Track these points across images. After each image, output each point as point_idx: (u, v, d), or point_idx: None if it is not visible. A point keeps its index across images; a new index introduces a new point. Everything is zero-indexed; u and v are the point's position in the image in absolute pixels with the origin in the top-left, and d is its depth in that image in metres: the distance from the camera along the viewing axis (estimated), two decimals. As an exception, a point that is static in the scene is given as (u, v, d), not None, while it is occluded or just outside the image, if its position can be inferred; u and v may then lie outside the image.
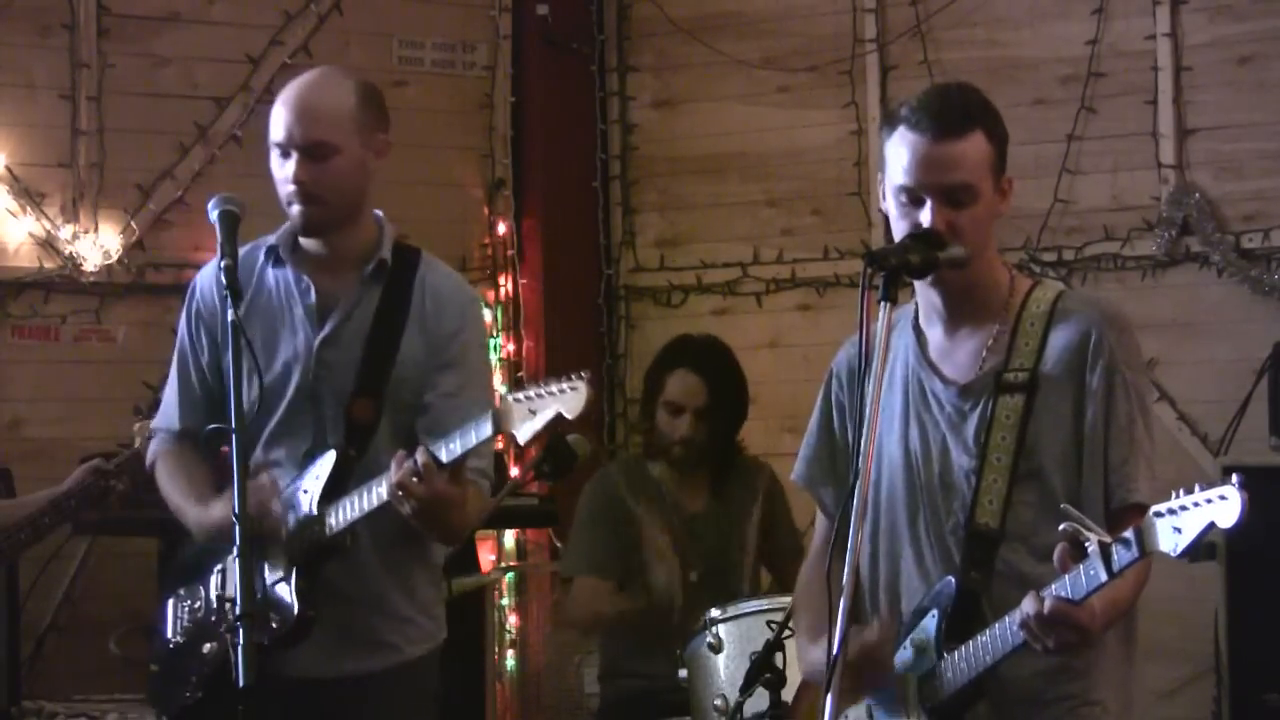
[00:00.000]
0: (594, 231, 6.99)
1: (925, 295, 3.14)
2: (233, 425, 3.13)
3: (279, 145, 3.52)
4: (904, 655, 3.08)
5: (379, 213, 3.67)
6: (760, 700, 3.88)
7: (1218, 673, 5.69)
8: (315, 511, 3.46)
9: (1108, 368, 3.02)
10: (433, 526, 3.47)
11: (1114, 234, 6.24)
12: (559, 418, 3.24)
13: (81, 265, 6.01)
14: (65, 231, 6.02)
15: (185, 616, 3.65)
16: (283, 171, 3.52)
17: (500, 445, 6.64)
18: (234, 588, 3.43)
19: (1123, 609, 2.97)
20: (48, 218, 6.02)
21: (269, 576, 3.48)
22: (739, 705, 3.98)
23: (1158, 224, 6.14)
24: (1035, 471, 3.03)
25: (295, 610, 3.45)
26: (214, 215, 3.34)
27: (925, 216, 2.99)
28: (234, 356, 3.18)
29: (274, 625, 3.44)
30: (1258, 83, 6.08)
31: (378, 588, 3.57)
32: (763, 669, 3.84)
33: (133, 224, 6.11)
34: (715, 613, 4.44)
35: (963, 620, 3.00)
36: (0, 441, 5.83)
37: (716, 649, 4.40)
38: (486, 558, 6.53)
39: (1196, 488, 2.63)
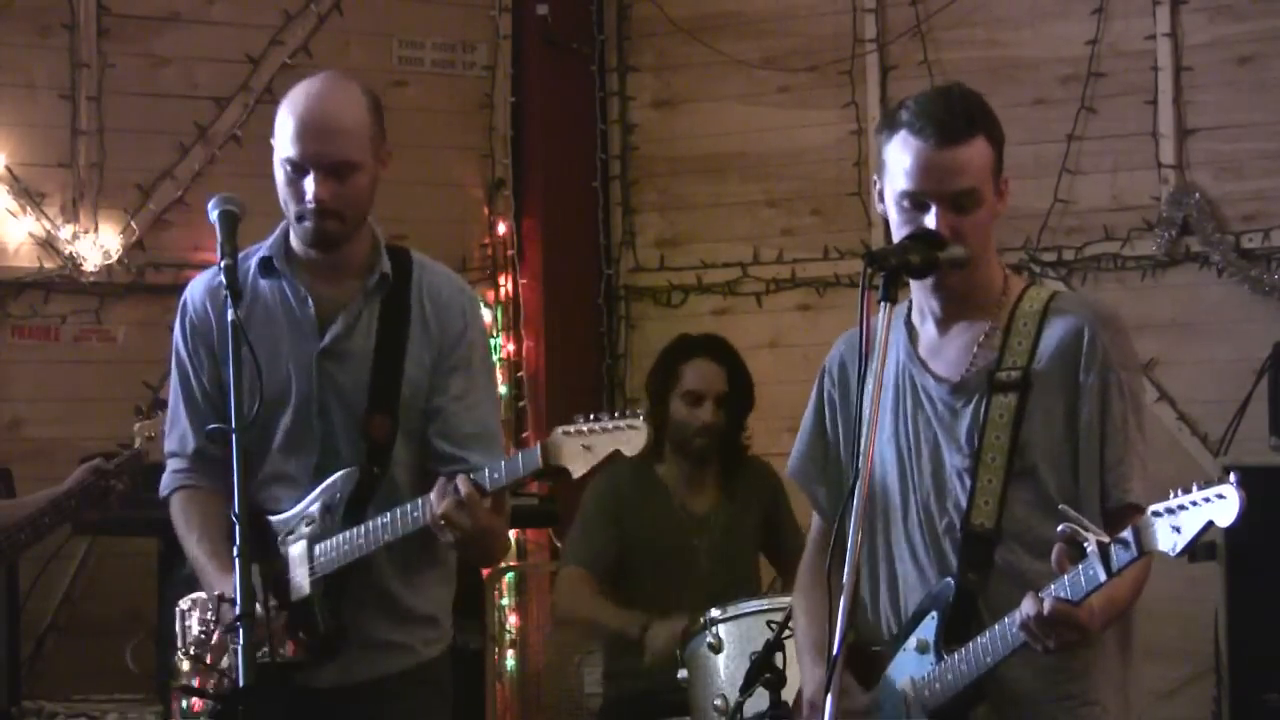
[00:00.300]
0: (594, 231, 6.99)
1: (920, 292, 3.14)
2: (233, 425, 3.12)
3: (295, 163, 3.44)
4: (904, 658, 3.09)
5: (369, 219, 3.65)
6: (760, 700, 3.87)
7: (1218, 673, 5.69)
8: (338, 527, 3.46)
9: (1102, 367, 3.03)
10: (471, 554, 3.50)
11: (1114, 234, 6.24)
12: (616, 453, 3.25)
13: (81, 265, 6.01)
14: (65, 231, 6.02)
15: (196, 630, 3.63)
16: (297, 188, 3.45)
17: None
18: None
19: (1122, 608, 2.98)
20: (48, 218, 6.02)
21: (293, 594, 3.48)
22: (739, 705, 3.97)
23: (1158, 224, 6.14)
24: (1029, 471, 3.04)
25: (323, 628, 3.45)
26: (214, 215, 3.33)
27: (930, 222, 3.00)
28: (234, 356, 3.17)
29: (305, 642, 3.44)
30: (1258, 83, 6.08)
31: (394, 592, 3.55)
32: (763, 669, 3.83)
33: (133, 224, 6.11)
34: (715, 613, 4.43)
35: (961, 621, 3.01)
36: (0, 441, 5.83)
37: (716, 649, 4.40)
38: (486, 558, 6.53)
39: (1194, 487, 2.64)
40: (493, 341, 6.74)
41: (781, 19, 6.74)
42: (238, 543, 3.04)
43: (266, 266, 3.58)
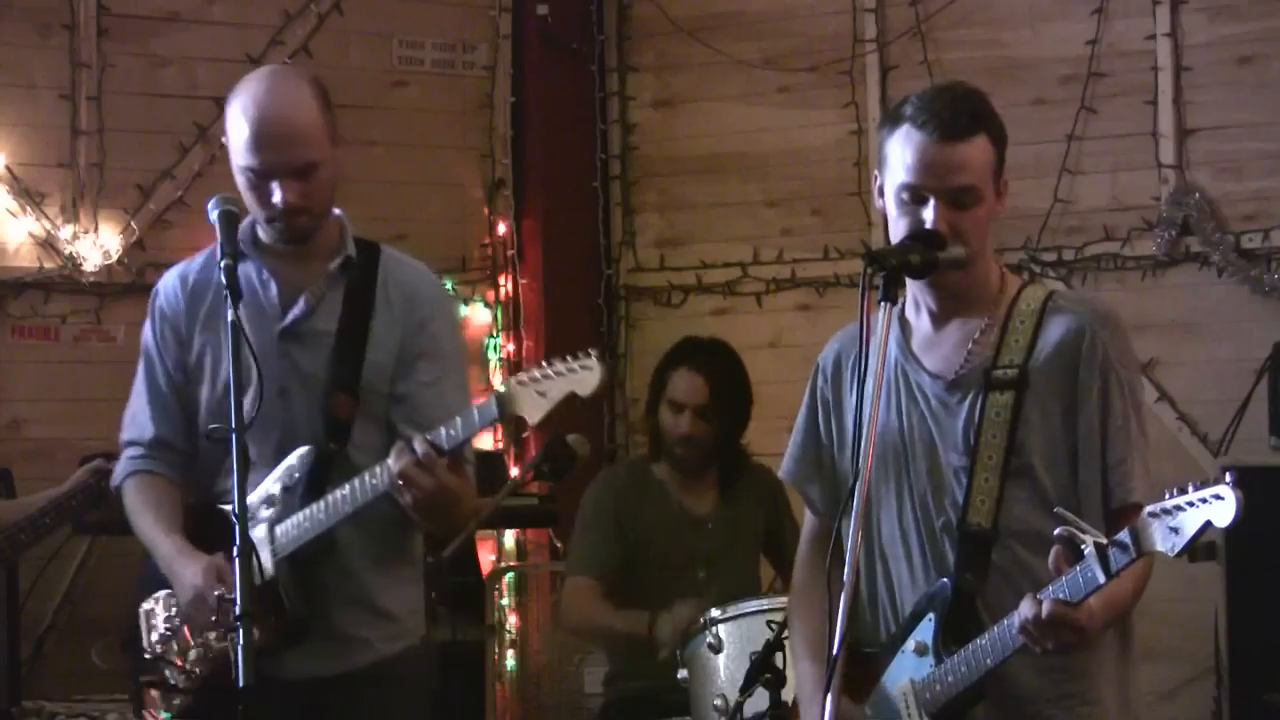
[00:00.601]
0: (594, 231, 6.99)
1: (915, 287, 3.13)
2: (233, 425, 3.12)
3: (258, 171, 3.45)
4: (903, 660, 3.08)
5: (338, 211, 3.64)
6: (760, 700, 3.87)
7: (1218, 673, 5.69)
8: (298, 506, 3.44)
9: (1103, 367, 3.03)
10: (433, 518, 3.45)
11: (1114, 234, 6.24)
12: (572, 397, 3.25)
13: (81, 265, 6.01)
14: (65, 231, 6.02)
15: (163, 625, 3.60)
16: (263, 194, 3.46)
17: (499, 444, 6.67)
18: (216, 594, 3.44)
19: (1122, 608, 2.98)
20: (48, 218, 6.02)
21: (256, 578, 3.44)
22: (739, 705, 3.97)
23: (1158, 224, 6.14)
24: (1026, 469, 3.04)
25: (289, 610, 3.43)
26: (214, 215, 3.33)
27: (928, 216, 2.99)
28: (234, 356, 3.17)
29: (273, 625, 3.41)
30: (1258, 83, 6.08)
31: (365, 583, 3.54)
32: (763, 669, 3.84)
33: (133, 224, 6.11)
34: (715, 613, 4.43)
35: (959, 622, 3.01)
36: (0, 441, 5.83)
37: (716, 649, 4.39)
38: (486, 558, 6.53)
39: (1190, 487, 2.64)
40: (492, 341, 6.75)
41: (781, 19, 6.74)
42: (238, 542, 3.04)
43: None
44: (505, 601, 6.58)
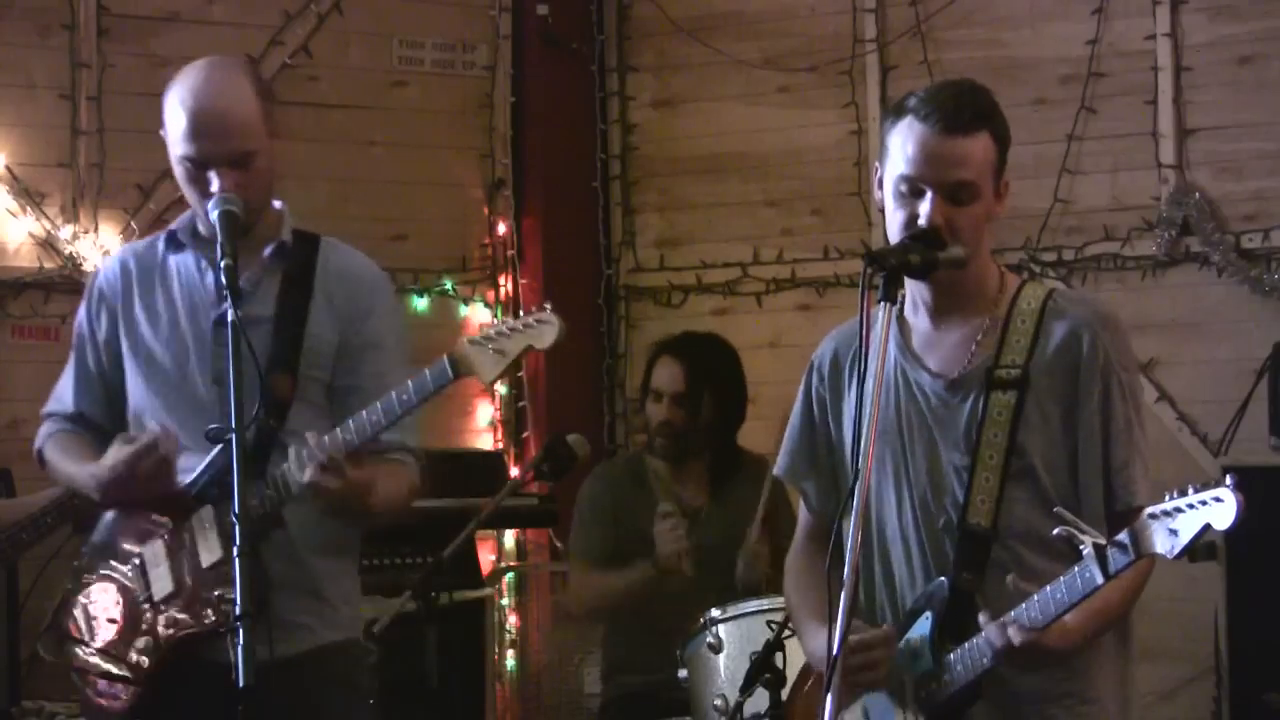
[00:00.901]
0: (594, 231, 6.99)
1: (913, 287, 3.14)
2: (233, 425, 3.12)
3: (195, 160, 3.46)
4: (900, 657, 3.08)
5: (279, 204, 3.64)
6: (760, 700, 3.87)
7: (1218, 673, 5.69)
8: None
9: (1104, 370, 3.03)
10: (344, 515, 3.45)
11: (1114, 234, 6.24)
12: (529, 350, 3.28)
13: (81, 265, 6.01)
14: (65, 231, 6.02)
15: (102, 616, 3.57)
16: (201, 183, 3.46)
17: (499, 444, 6.67)
18: (162, 579, 3.46)
19: (1109, 619, 2.98)
20: (48, 218, 6.02)
21: (205, 558, 3.43)
22: (739, 705, 3.97)
23: (1158, 224, 6.14)
24: (1027, 470, 3.04)
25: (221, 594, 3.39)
26: (214, 215, 3.34)
27: (924, 208, 2.99)
28: (233, 355, 3.17)
29: (221, 609, 3.36)
30: (1258, 83, 6.08)
31: (305, 569, 3.51)
32: (763, 669, 3.84)
33: (133, 224, 6.11)
34: (715, 613, 4.44)
35: (959, 620, 3.01)
36: (0, 441, 5.83)
37: (716, 649, 4.39)
38: (486, 558, 6.53)
39: (1190, 489, 2.64)
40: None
41: (781, 19, 6.74)
42: (237, 543, 3.03)
43: (175, 242, 3.62)
44: (505, 601, 6.58)
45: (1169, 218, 6.11)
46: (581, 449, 4.85)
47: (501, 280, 6.80)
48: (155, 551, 3.51)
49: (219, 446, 3.44)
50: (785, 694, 3.76)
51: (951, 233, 2.99)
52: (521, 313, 3.30)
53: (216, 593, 3.38)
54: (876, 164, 3.12)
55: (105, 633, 3.55)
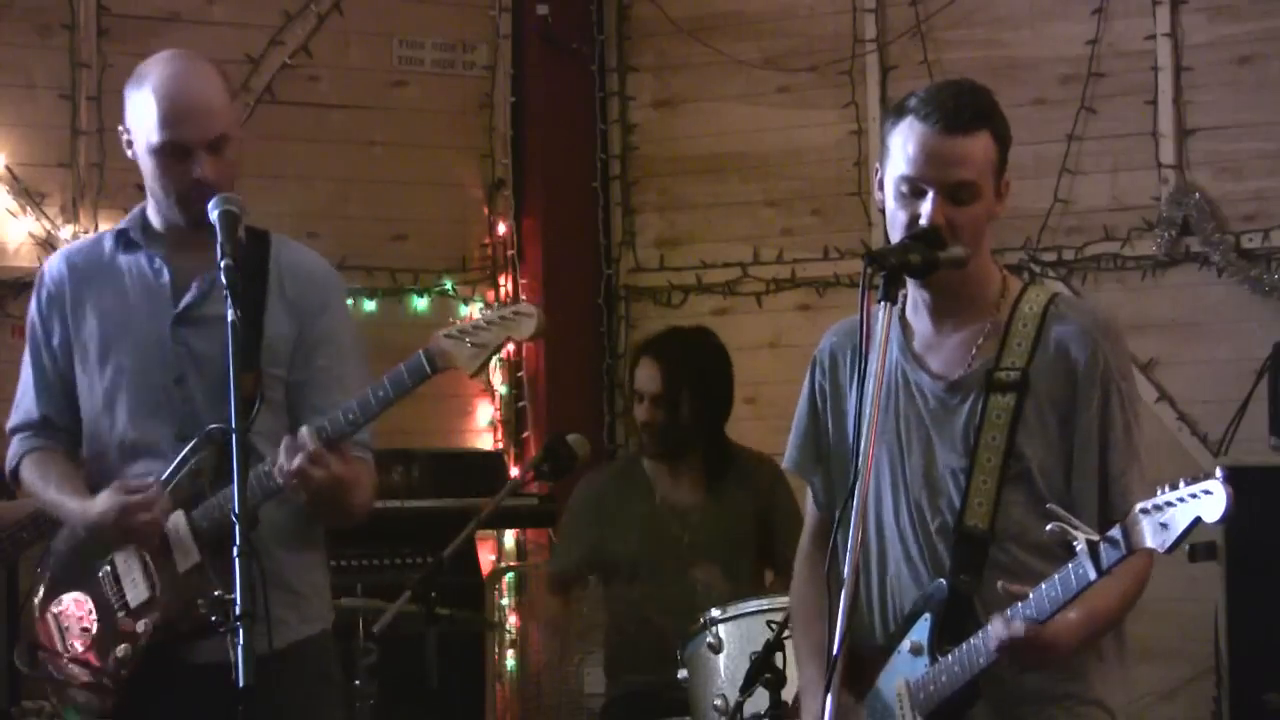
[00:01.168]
0: (594, 231, 6.99)
1: (914, 289, 3.14)
2: (233, 425, 3.11)
3: (178, 146, 3.43)
4: (898, 660, 3.09)
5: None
6: (760, 700, 3.87)
7: (1218, 673, 5.69)
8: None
9: (1103, 378, 3.04)
10: (325, 510, 3.43)
11: (1114, 234, 6.24)
12: (508, 341, 3.29)
13: (81, 265, 6.01)
14: (65, 231, 6.02)
15: (75, 626, 3.57)
16: (180, 170, 3.43)
17: (499, 444, 6.67)
18: (136, 586, 3.45)
19: (1105, 623, 2.98)
20: (48, 218, 6.03)
21: (181, 563, 3.42)
22: (739, 705, 3.97)
23: (1158, 224, 6.14)
24: (1024, 473, 3.04)
25: (220, 591, 3.39)
26: (214, 215, 3.32)
27: (925, 208, 2.99)
28: (232, 355, 3.16)
29: (203, 614, 3.32)
30: (1258, 83, 6.08)
31: (278, 564, 3.47)
32: (763, 669, 3.84)
33: (133, 224, 6.11)
34: (715, 613, 4.43)
35: (956, 622, 3.01)
36: (0, 441, 5.82)
37: (716, 649, 4.39)
38: (486, 558, 6.53)
39: (1181, 483, 2.64)
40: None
41: (781, 19, 6.75)
42: (238, 543, 3.03)
43: (125, 241, 3.58)
44: (505, 601, 6.58)
45: (1169, 218, 6.11)
46: (581, 449, 4.85)
47: (501, 280, 6.80)
48: (127, 558, 3.50)
49: (188, 447, 3.44)
50: (785, 694, 3.76)
51: (952, 232, 2.99)
52: (498, 304, 3.30)
53: (199, 596, 3.35)
54: (877, 164, 3.13)
55: (80, 643, 3.55)
